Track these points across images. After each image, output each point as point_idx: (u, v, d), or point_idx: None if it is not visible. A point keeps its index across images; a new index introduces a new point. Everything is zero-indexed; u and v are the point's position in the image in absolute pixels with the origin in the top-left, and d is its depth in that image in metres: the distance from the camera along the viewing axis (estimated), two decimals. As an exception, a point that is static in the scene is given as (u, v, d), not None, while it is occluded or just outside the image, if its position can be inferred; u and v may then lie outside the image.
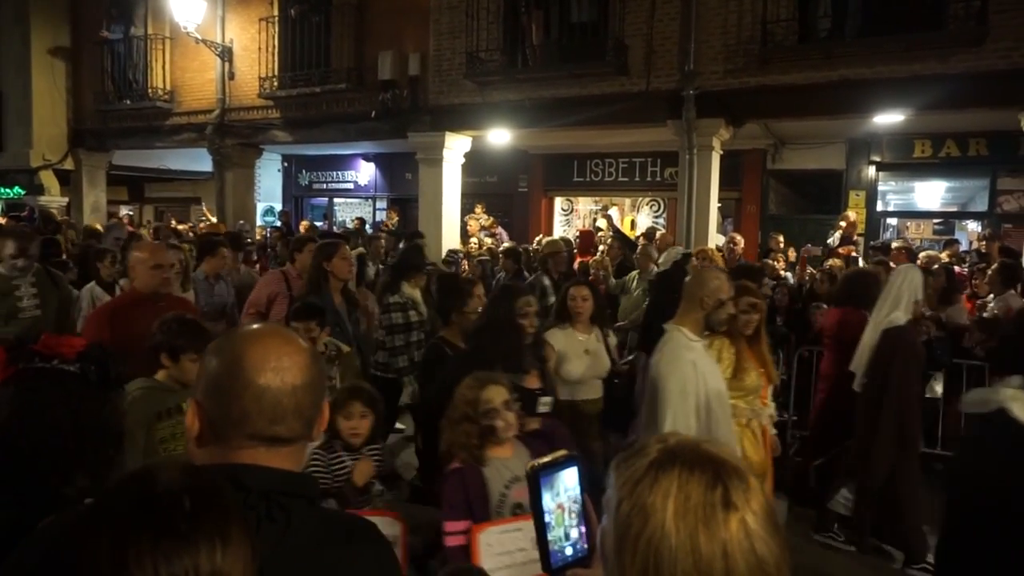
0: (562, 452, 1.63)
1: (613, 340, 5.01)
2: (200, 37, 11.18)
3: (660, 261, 5.60)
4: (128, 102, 12.65)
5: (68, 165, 13.53)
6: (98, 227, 10.38)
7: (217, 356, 1.25)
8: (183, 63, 12.32)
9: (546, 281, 6.44)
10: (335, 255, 4.60)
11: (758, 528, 0.87)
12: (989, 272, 6.42)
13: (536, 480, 1.50)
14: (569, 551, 1.49)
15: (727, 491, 0.88)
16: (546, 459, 1.55)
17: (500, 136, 10.65)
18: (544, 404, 3.31)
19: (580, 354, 4.31)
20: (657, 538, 0.88)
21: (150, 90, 12.39)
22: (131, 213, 17.60)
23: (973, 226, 11.25)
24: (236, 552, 0.92)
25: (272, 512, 1.20)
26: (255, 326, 1.34)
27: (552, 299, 6.43)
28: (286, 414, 1.21)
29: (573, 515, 1.55)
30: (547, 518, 1.51)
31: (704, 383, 3.11)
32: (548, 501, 1.48)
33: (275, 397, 1.20)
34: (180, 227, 12.48)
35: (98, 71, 12.88)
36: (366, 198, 16.11)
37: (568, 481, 1.52)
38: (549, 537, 1.48)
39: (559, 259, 6.87)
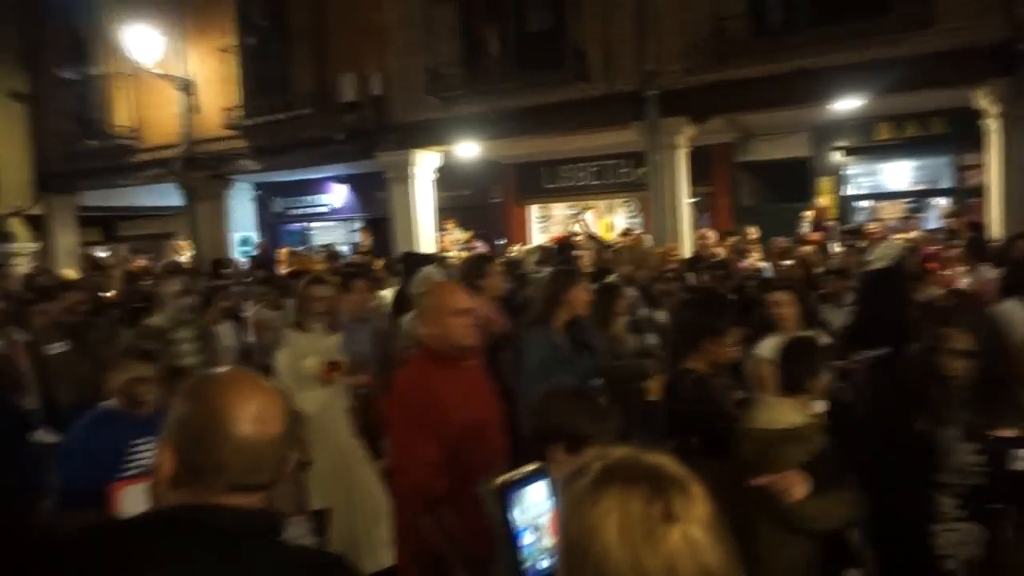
0: (530, 466, 1.63)
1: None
2: (161, 72, 11.13)
3: (874, 256, 5.06)
4: (94, 142, 12.54)
5: (37, 210, 13.38)
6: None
7: (194, 402, 1.23)
8: (146, 99, 12.24)
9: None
10: (578, 284, 3.80)
11: (702, 537, 0.87)
12: (956, 248, 6.54)
13: (504, 496, 1.50)
14: (545, 563, 1.49)
15: (667, 503, 0.88)
16: (514, 474, 1.55)
17: (469, 149, 10.68)
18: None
19: None
20: (602, 558, 0.87)
21: (115, 128, 12.29)
22: (109, 253, 17.42)
23: (943, 202, 11.40)
24: None
25: (234, 551, 1.20)
26: (227, 370, 1.34)
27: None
28: (265, 464, 1.22)
29: (548, 529, 1.54)
30: (520, 535, 1.51)
31: None
32: (517, 517, 1.48)
33: (255, 448, 1.20)
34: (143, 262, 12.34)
35: (60, 113, 12.78)
36: (342, 220, 16.04)
37: (536, 496, 1.52)
38: (521, 555, 1.48)
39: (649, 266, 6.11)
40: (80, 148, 12.65)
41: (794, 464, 2.49)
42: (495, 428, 2.65)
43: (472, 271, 4.57)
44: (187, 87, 11.69)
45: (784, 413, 2.74)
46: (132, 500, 2.62)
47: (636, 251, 6.39)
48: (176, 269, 4.51)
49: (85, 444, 2.84)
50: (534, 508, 1.56)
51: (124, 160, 12.42)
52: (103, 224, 17.23)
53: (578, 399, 2.13)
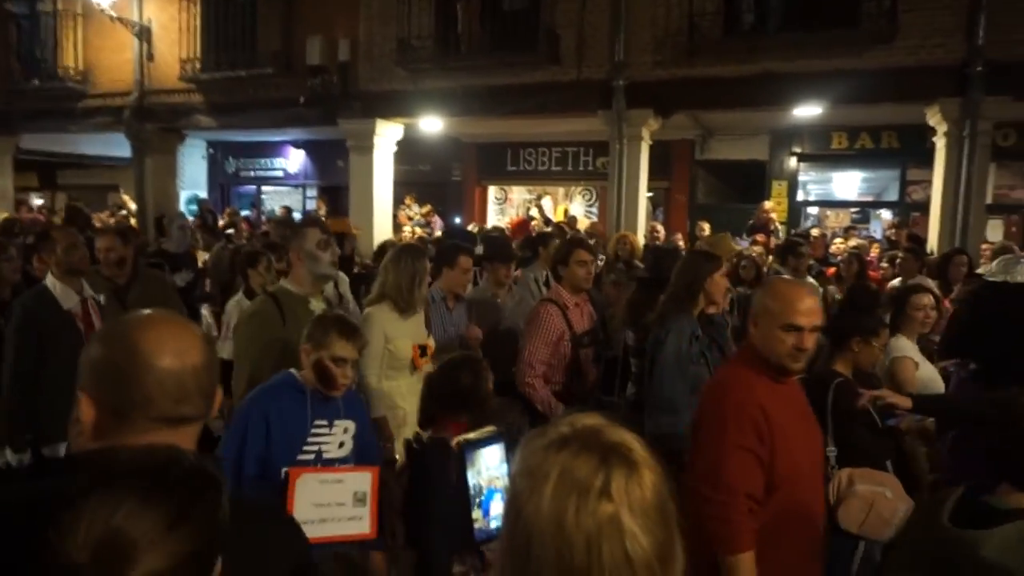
0: (489, 428, 1.65)
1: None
2: (115, 15, 10.65)
3: (994, 269, 4.73)
4: (36, 82, 11.92)
5: (-31, 149, 12.69)
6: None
7: (106, 344, 1.23)
8: (97, 42, 11.69)
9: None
10: (719, 269, 3.52)
11: (632, 524, 0.84)
12: (900, 257, 6.81)
13: (462, 456, 1.52)
14: (494, 525, 1.52)
15: (608, 480, 0.85)
16: (472, 435, 1.57)
17: (433, 124, 10.57)
18: None
19: (930, 369, 3.76)
20: (533, 518, 0.86)
21: (60, 69, 11.71)
22: (43, 201, 16.66)
23: (887, 214, 11.86)
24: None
25: None
26: (141, 312, 1.33)
27: None
28: (191, 394, 1.22)
29: (499, 491, 1.56)
30: (473, 495, 1.53)
31: None
32: (471, 477, 1.50)
33: (178, 378, 1.21)
34: (98, 216, 11.87)
35: (2, 48, 12.10)
36: (296, 186, 15.72)
37: (489, 459, 1.55)
38: (473, 514, 1.50)
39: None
40: (22, 87, 12.01)
41: None
42: (818, 466, 2.29)
43: (558, 257, 4.03)
44: (143, 33, 11.22)
45: None
46: (307, 490, 2.30)
47: (721, 245, 5.70)
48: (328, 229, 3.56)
49: (265, 412, 2.46)
50: (488, 470, 1.58)
51: (70, 104, 11.84)
52: (40, 169, 16.46)
53: None
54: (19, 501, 1.11)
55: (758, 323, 2.24)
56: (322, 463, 2.42)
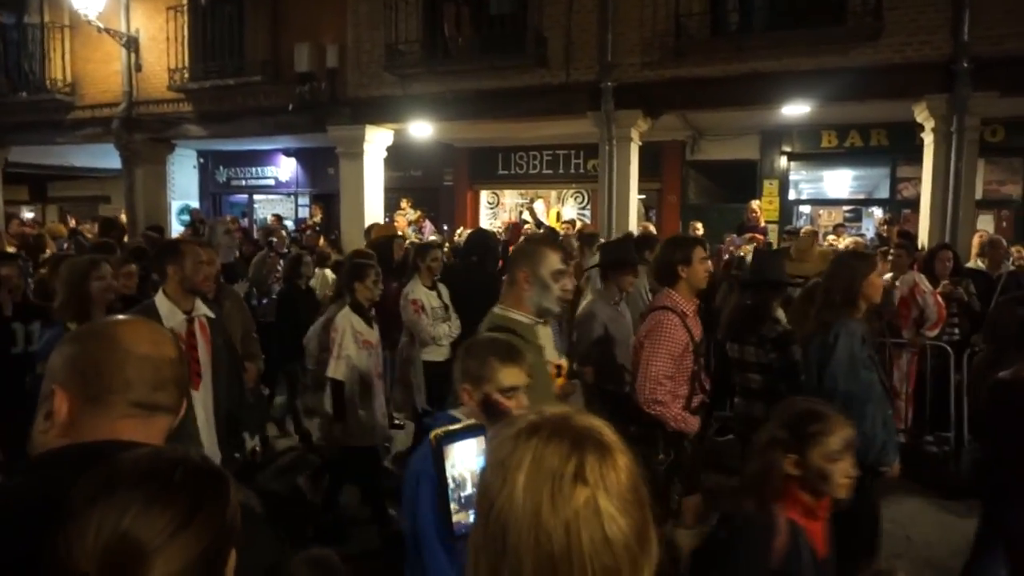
0: (469, 422, 1.62)
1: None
2: (103, 26, 10.62)
3: None
4: (24, 94, 11.87)
5: (-42, 163, 12.63)
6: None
7: (82, 341, 1.27)
8: (85, 53, 11.66)
9: None
10: (874, 270, 3.37)
11: (608, 507, 0.83)
12: (892, 254, 6.80)
13: (439, 449, 1.49)
14: (472, 519, 1.49)
15: (581, 465, 0.85)
16: (451, 428, 1.54)
17: (423, 129, 10.56)
18: None
19: None
20: (507, 508, 0.85)
21: (48, 81, 11.67)
22: (33, 214, 16.59)
23: (878, 212, 11.88)
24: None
25: None
26: (113, 317, 1.39)
27: None
28: (167, 382, 1.27)
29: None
30: (451, 487, 1.50)
31: None
32: (448, 468, 1.47)
33: (155, 365, 1.26)
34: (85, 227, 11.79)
35: (-11, 61, 12.07)
36: (288, 194, 15.69)
37: (465, 451, 1.52)
38: (451, 507, 1.47)
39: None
40: (10, 100, 11.96)
41: None
42: None
43: (679, 257, 3.60)
44: (131, 44, 11.20)
45: None
46: None
47: (803, 243, 5.49)
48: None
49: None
50: (464, 463, 1.55)
51: (58, 116, 11.81)
52: (31, 182, 16.41)
53: None
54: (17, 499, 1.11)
55: None
56: None
